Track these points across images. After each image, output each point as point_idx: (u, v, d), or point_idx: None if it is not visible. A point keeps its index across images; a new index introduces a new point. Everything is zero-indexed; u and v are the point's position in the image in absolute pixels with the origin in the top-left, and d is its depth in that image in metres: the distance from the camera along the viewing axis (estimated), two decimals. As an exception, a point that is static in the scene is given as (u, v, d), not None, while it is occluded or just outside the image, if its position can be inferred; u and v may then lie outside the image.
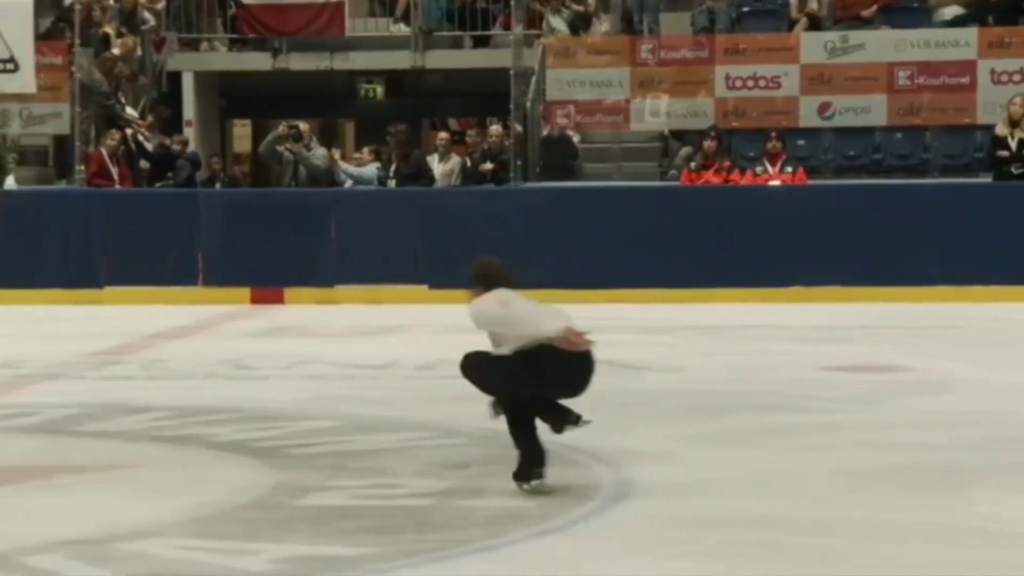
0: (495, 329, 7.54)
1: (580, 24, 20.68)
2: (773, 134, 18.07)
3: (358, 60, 22.33)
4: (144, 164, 18.99)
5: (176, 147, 19.67)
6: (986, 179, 17.85)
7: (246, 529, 6.62)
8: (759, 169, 17.89)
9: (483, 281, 7.70)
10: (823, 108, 19.19)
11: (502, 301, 7.58)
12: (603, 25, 20.89)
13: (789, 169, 17.76)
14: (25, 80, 18.78)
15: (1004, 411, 9.54)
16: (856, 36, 19.42)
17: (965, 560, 6.16)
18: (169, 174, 19.17)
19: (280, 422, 9.32)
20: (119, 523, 6.70)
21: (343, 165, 19.41)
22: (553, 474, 7.69)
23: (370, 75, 23.48)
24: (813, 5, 19.96)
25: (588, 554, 6.30)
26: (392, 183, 18.07)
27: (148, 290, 16.37)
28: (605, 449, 8.28)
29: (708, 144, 17.99)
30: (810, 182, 17.81)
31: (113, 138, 18.49)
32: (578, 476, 7.71)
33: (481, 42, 22.25)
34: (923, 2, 20.27)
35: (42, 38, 19.46)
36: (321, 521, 6.76)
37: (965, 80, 19.00)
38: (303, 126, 18.69)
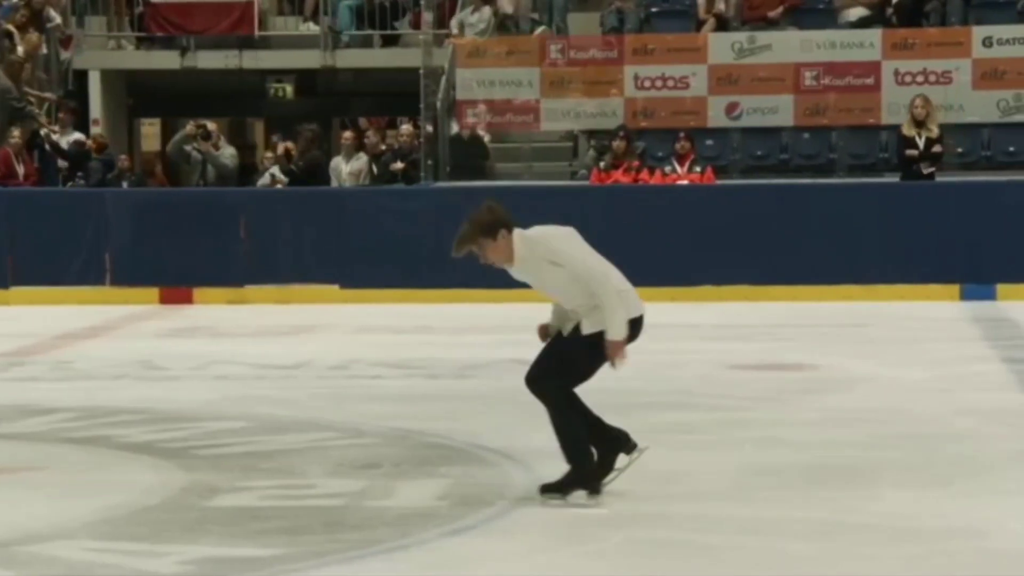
0: (591, 277, 6.97)
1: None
2: (682, 134, 18.20)
3: (268, 59, 22.27)
4: (61, 163, 18.81)
5: (90, 145, 19.48)
6: (892, 179, 18.07)
7: (155, 531, 6.60)
8: (668, 169, 18.01)
9: (505, 224, 7.10)
10: (731, 108, 19.36)
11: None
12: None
13: (698, 169, 17.89)
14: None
15: (908, 408, 9.67)
16: (763, 37, 19.60)
17: (868, 555, 6.26)
18: (80, 174, 19.02)
19: (190, 423, 9.28)
20: (26, 525, 6.66)
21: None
22: (464, 473, 7.74)
23: (280, 74, 23.43)
24: (721, 6, 20.12)
25: (496, 553, 6.34)
26: (284, 181, 18.03)
27: (56, 290, 16.23)
28: (515, 448, 8.32)
29: (617, 144, 18.08)
30: (718, 182, 17.94)
31: (15, 136, 18.29)
32: (489, 475, 7.75)
33: (391, 41, 22.24)
34: (829, 3, 20.49)
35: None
36: (231, 522, 6.75)
37: (870, 81, 19.24)
38: (211, 125, 18.59)
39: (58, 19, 21.03)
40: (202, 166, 18.23)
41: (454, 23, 20.38)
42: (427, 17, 19.47)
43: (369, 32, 22.22)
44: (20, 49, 19.76)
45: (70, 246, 16.43)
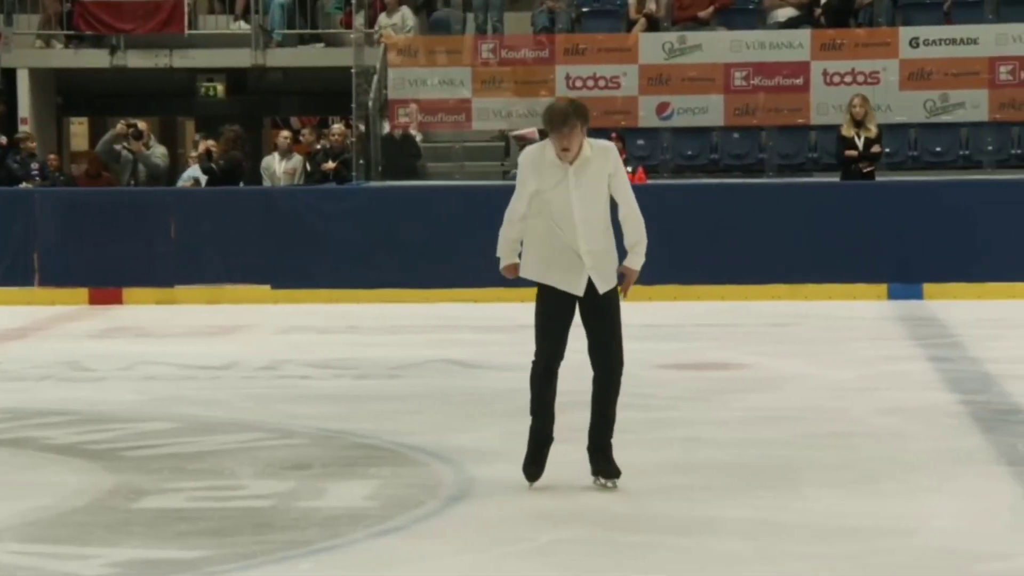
0: (633, 208, 7.23)
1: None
2: (613, 135, 18.25)
3: (198, 58, 22.17)
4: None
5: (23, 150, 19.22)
6: (821, 179, 18.21)
7: (80, 533, 6.57)
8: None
9: (587, 117, 7.16)
10: (661, 108, 19.45)
11: None
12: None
13: (629, 169, 17.94)
14: None
15: (834, 407, 9.75)
16: (693, 37, 19.71)
17: (795, 554, 6.31)
18: (35, 172, 18.79)
19: (116, 424, 9.23)
20: (-50, 529, 6.61)
21: None
22: (394, 473, 7.74)
23: (210, 73, 23.33)
24: (651, 6, 20.20)
25: (425, 553, 6.35)
26: (203, 180, 17.98)
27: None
28: (444, 448, 8.33)
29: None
30: (649, 181, 18.02)
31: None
32: (419, 475, 7.76)
33: (322, 40, 22.20)
34: (758, 4, 20.61)
35: None
36: (157, 524, 6.72)
37: (799, 81, 19.39)
38: (142, 124, 18.49)
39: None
40: (133, 165, 18.12)
41: (379, 24, 20.40)
42: (358, 17, 19.45)
43: (300, 31, 22.17)
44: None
45: (-3, 246, 16.31)
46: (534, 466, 7.34)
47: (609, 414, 7.39)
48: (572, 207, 7.20)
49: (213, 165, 17.98)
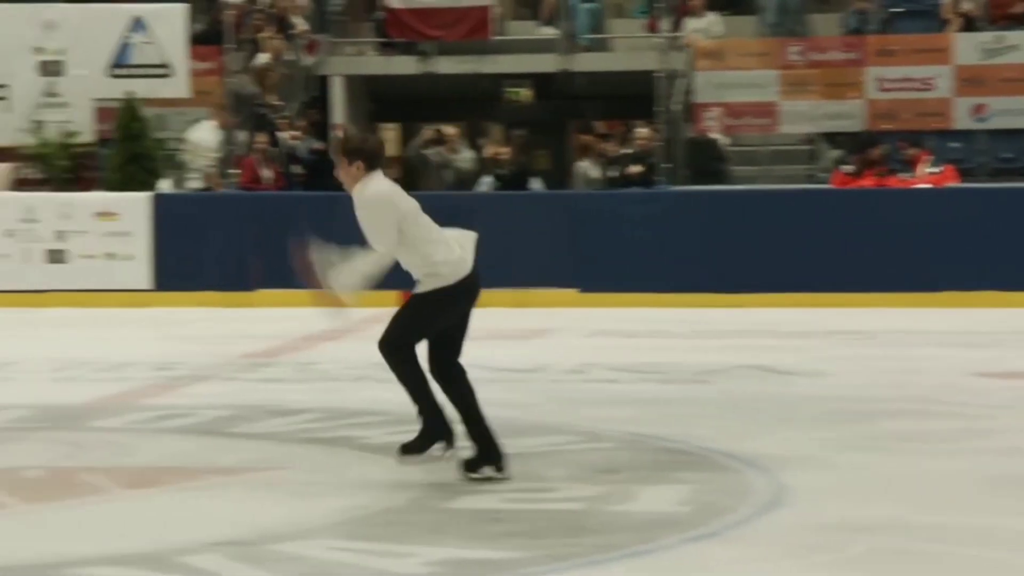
0: (409, 229, 7.44)
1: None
2: (905, 143, 17.83)
3: (504, 63, 22.38)
4: (296, 168, 19.17)
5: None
6: None
7: (397, 531, 6.66)
8: (904, 175, 17.65)
9: (366, 157, 7.49)
10: (977, 110, 18.92)
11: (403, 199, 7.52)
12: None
13: (936, 170, 17.48)
14: (179, 85, 19.10)
15: None
16: (1012, 37, 19.11)
17: None
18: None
19: (430, 425, 9.35)
20: (271, 524, 6.76)
21: None
22: (705, 478, 7.67)
23: (516, 78, 23.53)
24: (967, 5, 19.67)
25: (740, 559, 6.26)
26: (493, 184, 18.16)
27: (299, 293, 16.49)
28: (754, 454, 8.23)
29: (877, 152, 17.72)
30: (963, 184, 17.54)
31: (261, 142, 18.72)
32: (730, 481, 7.67)
33: (627, 44, 22.22)
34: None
35: (195, 43, 19.76)
36: (472, 524, 6.78)
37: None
38: (449, 130, 18.79)
39: (302, 25, 21.47)
40: (439, 170, 18.42)
41: (685, 27, 20.34)
42: (664, 21, 19.42)
43: (606, 36, 22.24)
44: (265, 56, 20.23)
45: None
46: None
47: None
48: None
49: (503, 171, 18.18)
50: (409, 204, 7.62)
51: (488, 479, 7.54)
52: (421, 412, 7.60)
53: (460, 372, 7.73)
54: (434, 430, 7.59)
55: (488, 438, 7.63)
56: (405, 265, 7.65)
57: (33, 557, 6.20)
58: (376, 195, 7.50)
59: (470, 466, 7.59)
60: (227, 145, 19.35)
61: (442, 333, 7.67)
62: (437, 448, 7.59)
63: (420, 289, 7.61)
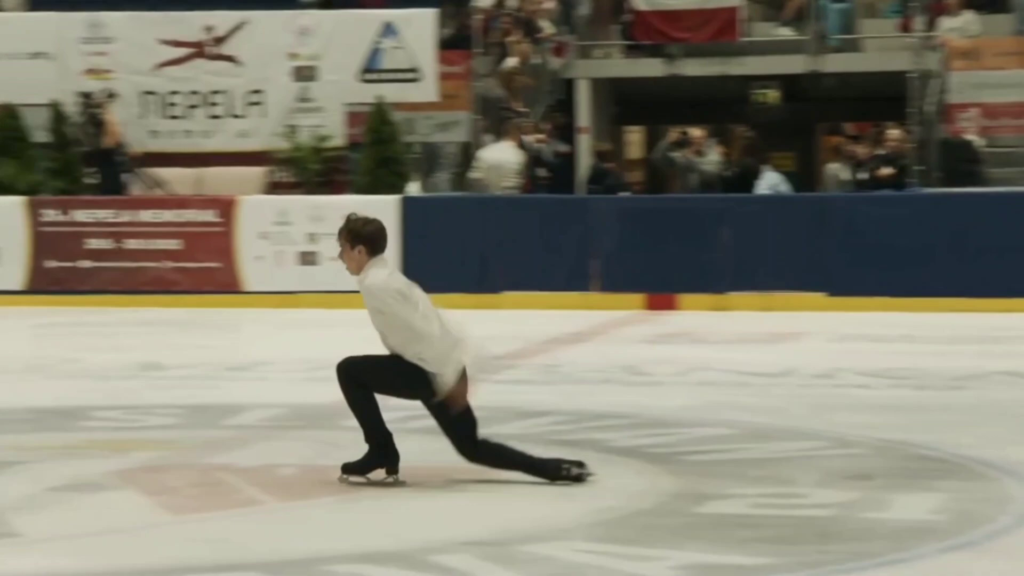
0: (404, 321, 7.28)
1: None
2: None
3: (752, 65, 22.16)
4: (541, 171, 19.21)
5: (606, 165, 19.52)
6: None
7: (645, 534, 6.61)
8: None
9: (367, 242, 7.37)
10: None
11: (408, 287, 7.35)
12: None
13: None
14: (428, 89, 19.33)
15: None
16: None
17: None
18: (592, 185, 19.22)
19: (675, 428, 9.31)
20: (522, 525, 6.78)
21: None
22: (961, 487, 7.46)
23: (764, 80, 23.28)
24: None
25: (1001, 572, 6.07)
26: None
27: (543, 295, 16.59)
28: (1011, 461, 8.00)
29: None
30: None
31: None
32: (988, 490, 7.45)
33: (878, 45, 21.83)
34: None
35: (444, 47, 19.97)
36: (720, 529, 6.70)
37: None
38: (695, 132, 18.68)
39: (549, 29, 21.54)
40: (685, 172, 18.33)
41: (940, 27, 19.90)
42: (917, 21, 19.03)
43: (856, 36, 21.88)
44: (512, 60, 20.35)
45: (557, 252, 16.78)
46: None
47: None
48: None
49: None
50: (415, 292, 7.52)
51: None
52: (368, 439, 7.55)
53: (486, 446, 7.64)
54: (380, 456, 7.55)
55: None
56: (388, 345, 7.55)
57: (290, 553, 6.30)
58: (375, 285, 7.45)
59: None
60: (475, 148, 19.46)
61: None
62: (380, 472, 7.55)
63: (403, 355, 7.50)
